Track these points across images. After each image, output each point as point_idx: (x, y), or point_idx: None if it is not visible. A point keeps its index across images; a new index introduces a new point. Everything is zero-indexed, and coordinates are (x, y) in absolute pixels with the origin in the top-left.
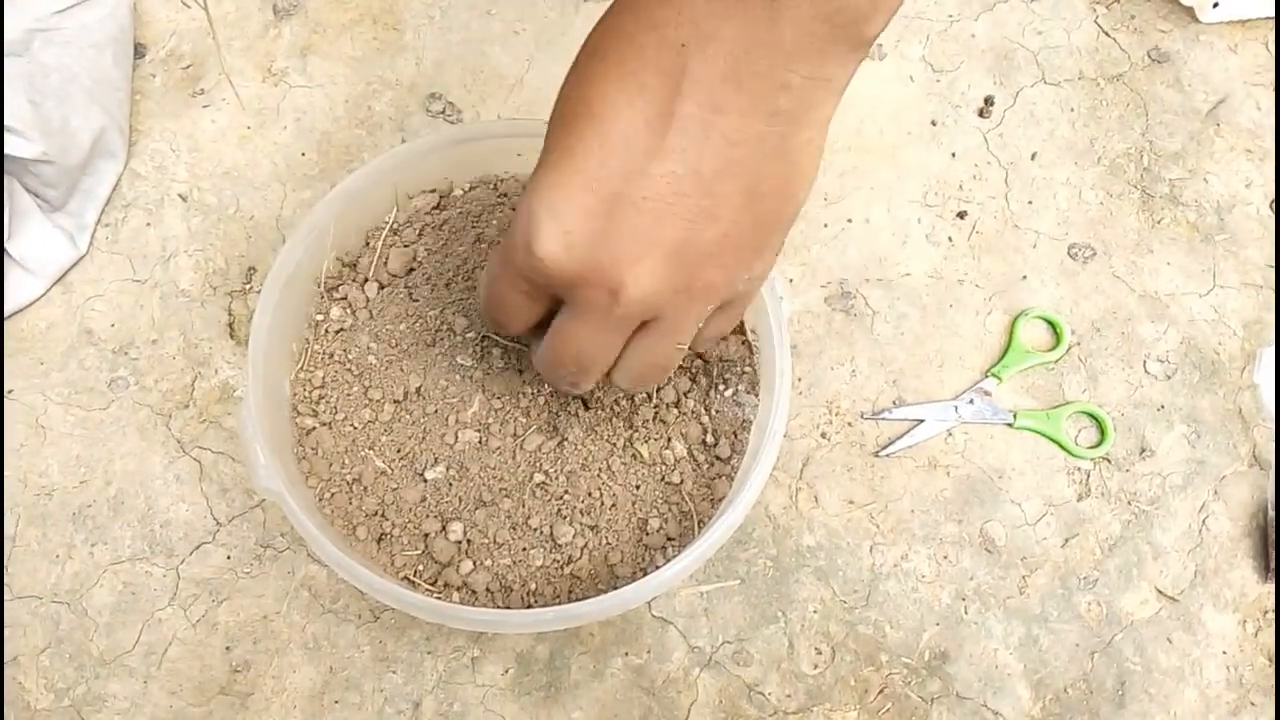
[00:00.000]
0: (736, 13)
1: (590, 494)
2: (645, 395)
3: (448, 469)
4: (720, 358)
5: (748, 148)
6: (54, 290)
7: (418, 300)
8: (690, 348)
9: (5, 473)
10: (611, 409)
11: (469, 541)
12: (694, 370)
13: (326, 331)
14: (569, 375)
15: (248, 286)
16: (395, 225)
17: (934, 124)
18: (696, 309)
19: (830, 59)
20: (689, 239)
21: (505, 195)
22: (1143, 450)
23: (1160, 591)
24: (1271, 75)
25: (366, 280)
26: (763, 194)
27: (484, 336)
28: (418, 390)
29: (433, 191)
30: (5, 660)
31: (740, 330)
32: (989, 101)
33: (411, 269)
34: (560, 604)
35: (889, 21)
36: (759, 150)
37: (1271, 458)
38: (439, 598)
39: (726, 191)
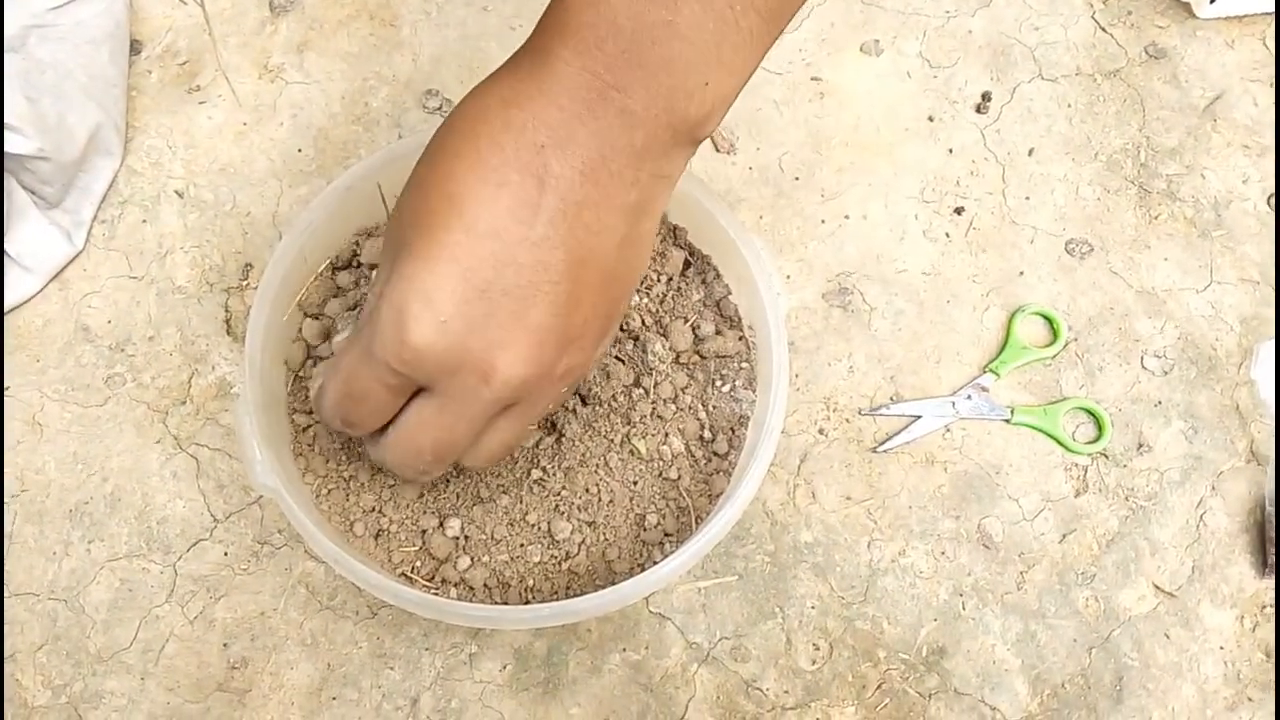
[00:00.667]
0: (591, 121)
1: (588, 490)
2: (643, 391)
3: None
4: (717, 354)
5: (605, 237)
6: (50, 287)
7: None
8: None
9: (3, 470)
10: (609, 405)
11: (466, 538)
12: (691, 366)
13: (324, 327)
14: (422, 464)
15: (245, 283)
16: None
17: (931, 120)
18: (556, 390)
19: (672, 158)
20: (557, 324)
21: None
22: (1140, 446)
23: (1158, 587)
24: (1269, 71)
25: (363, 277)
26: (614, 280)
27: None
28: None
29: None
30: (4, 657)
31: (737, 327)
32: (986, 97)
33: None
34: (558, 600)
35: (717, 126)
36: (613, 239)
37: (1269, 453)
38: (436, 594)
39: (587, 278)
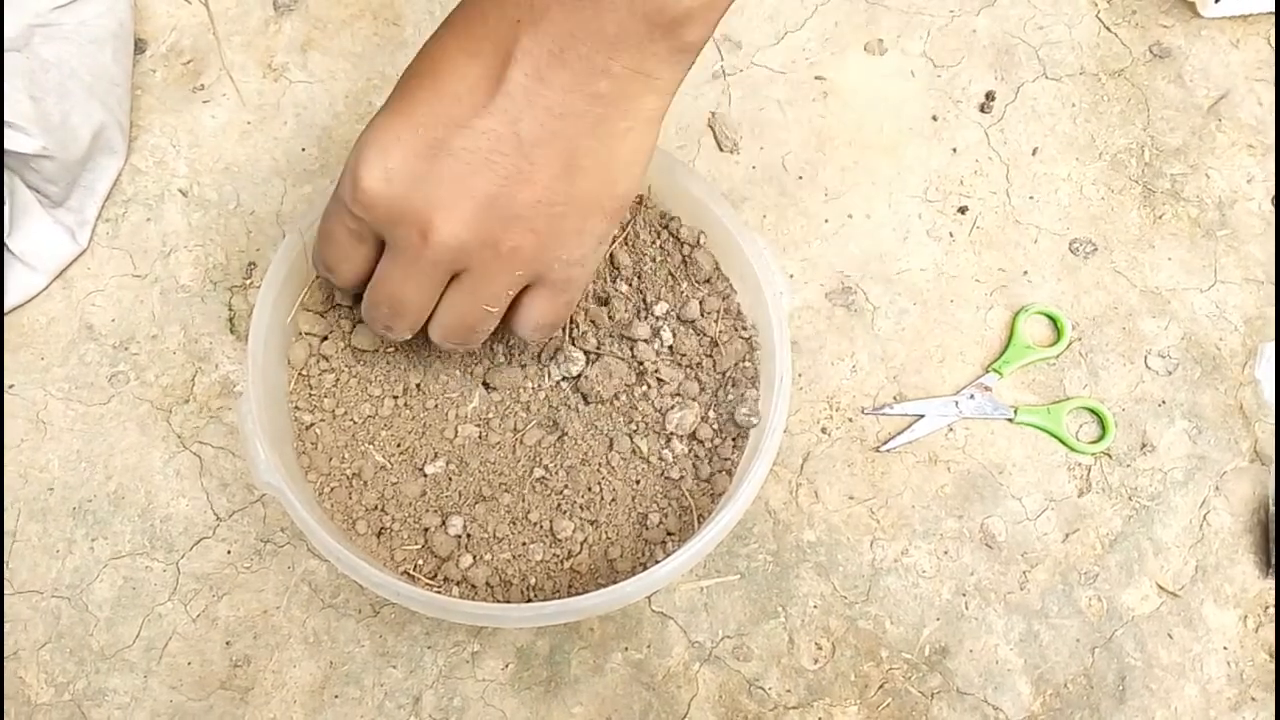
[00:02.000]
0: (566, 2)
1: (590, 489)
2: (645, 390)
3: (447, 464)
4: (720, 353)
5: (567, 122)
6: (54, 285)
7: None
8: (514, 329)
9: (8, 467)
10: (611, 404)
11: (469, 536)
12: (694, 366)
13: (326, 327)
14: (383, 317)
15: (248, 282)
16: None
17: (935, 119)
18: (503, 269)
19: (650, 56)
20: (501, 195)
21: None
22: (1144, 446)
23: (1161, 587)
24: (1273, 70)
25: None
26: (581, 169)
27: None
28: (417, 385)
29: None
30: (8, 655)
31: (740, 325)
32: (990, 97)
33: None
34: (560, 598)
35: (711, 31)
36: (578, 126)
37: (1273, 453)
38: (439, 592)
39: (543, 158)
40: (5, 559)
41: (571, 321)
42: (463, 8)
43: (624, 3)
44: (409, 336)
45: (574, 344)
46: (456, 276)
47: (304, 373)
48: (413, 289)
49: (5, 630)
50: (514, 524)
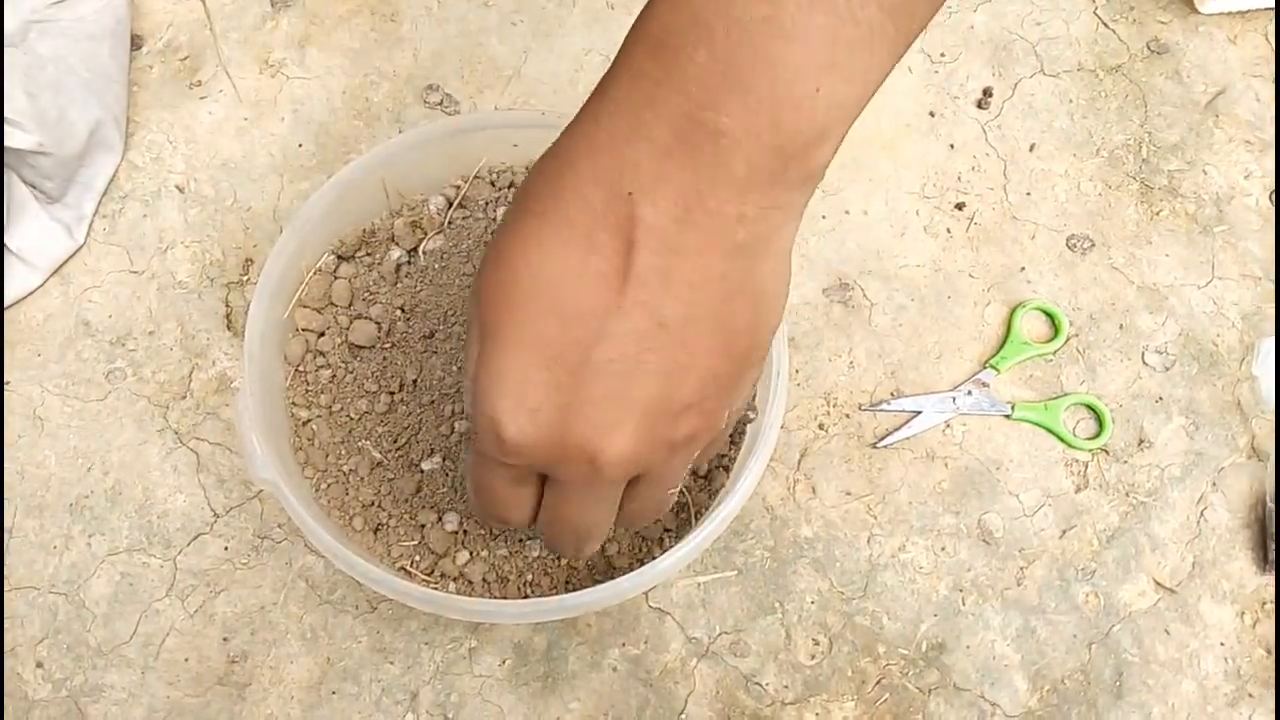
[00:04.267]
0: (681, 155)
1: None
2: None
3: (444, 459)
4: None
5: (711, 288)
6: (51, 282)
7: (413, 292)
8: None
9: (4, 464)
10: None
11: (465, 532)
12: None
13: (323, 323)
14: (572, 547)
15: (245, 278)
16: (391, 222)
17: (932, 115)
18: (682, 457)
19: (783, 187)
20: (665, 393)
21: (511, 186)
22: (1141, 442)
23: (1158, 583)
24: (1271, 67)
25: (359, 272)
26: (733, 334)
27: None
28: (414, 381)
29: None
30: (5, 651)
31: None
32: (987, 93)
33: (407, 262)
34: (557, 594)
35: (837, 149)
36: (723, 289)
37: (1270, 449)
38: (435, 588)
39: (696, 337)
40: (1, 556)
41: None
42: (549, 194)
43: (750, 135)
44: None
45: None
46: (634, 479)
47: (301, 369)
48: (594, 512)
49: (4, 626)
50: None
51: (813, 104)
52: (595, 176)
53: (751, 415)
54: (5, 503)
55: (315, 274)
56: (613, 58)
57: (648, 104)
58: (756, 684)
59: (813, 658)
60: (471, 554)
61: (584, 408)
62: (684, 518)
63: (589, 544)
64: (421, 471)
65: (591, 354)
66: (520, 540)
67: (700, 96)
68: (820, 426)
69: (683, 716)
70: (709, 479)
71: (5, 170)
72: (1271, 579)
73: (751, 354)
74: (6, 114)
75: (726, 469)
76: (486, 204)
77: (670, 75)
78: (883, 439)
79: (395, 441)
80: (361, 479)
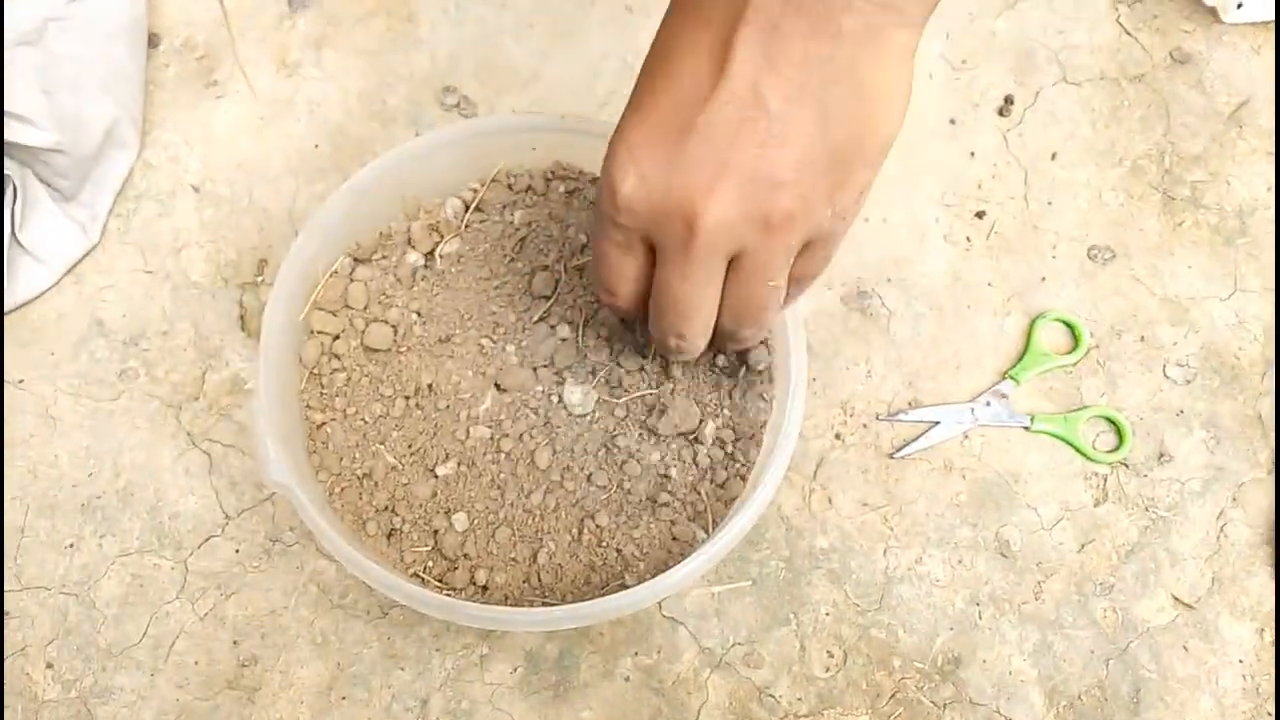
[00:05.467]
0: None
1: (603, 492)
2: (656, 396)
3: (459, 465)
4: (735, 357)
5: (814, 71)
6: (65, 280)
7: (429, 296)
8: (791, 294)
9: (17, 463)
10: (627, 408)
11: (479, 538)
12: (708, 369)
13: (338, 326)
14: (672, 326)
15: (259, 279)
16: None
17: (953, 122)
18: (779, 241)
19: None
20: (760, 165)
21: (529, 190)
22: (1161, 455)
23: (1177, 599)
24: None
25: (375, 276)
26: (836, 119)
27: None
28: (429, 386)
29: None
30: (15, 651)
31: None
32: (1009, 100)
33: (423, 265)
34: (570, 602)
35: None
36: (826, 73)
37: None
38: (448, 594)
39: (795, 116)
40: (12, 555)
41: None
42: None
43: None
44: (704, 346)
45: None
46: (734, 262)
47: (316, 371)
48: (692, 287)
49: (14, 626)
50: (525, 527)
51: None
52: None
53: (767, 395)
54: (17, 501)
55: (331, 277)
56: (630, 61)
57: None
58: (770, 696)
59: (827, 670)
60: (485, 561)
61: (684, 168)
62: (700, 526)
63: (689, 328)
64: (436, 477)
65: (695, 119)
66: (534, 547)
67: None
68: (837, 436)
69: None
70: (725, 488)
71: (20, 168)
72: None
73: (855, 151)
74: (22, 112)
75: (743, 477)
76: (503, 207)
77: None
78: (900, 449)
79: (410, 446)
80: (376, 483)
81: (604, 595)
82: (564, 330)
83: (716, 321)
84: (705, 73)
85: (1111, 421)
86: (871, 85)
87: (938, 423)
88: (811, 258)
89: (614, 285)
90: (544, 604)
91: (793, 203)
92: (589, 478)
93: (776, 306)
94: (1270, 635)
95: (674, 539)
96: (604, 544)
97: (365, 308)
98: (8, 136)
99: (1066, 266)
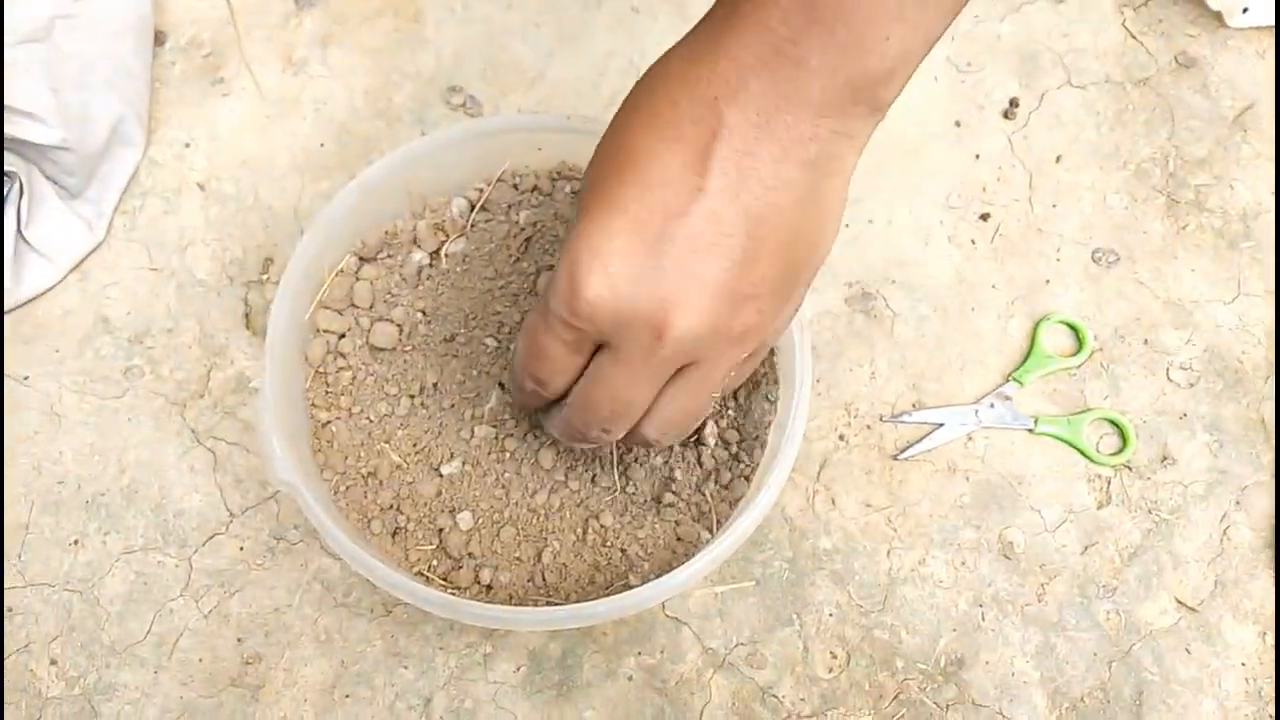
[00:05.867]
0: (765, 72)
1: (607, 491)
2: None
3: (463, 464)
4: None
5: (783, 193)
6: (70, 277)
7: (434, 295)
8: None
9: (21, 460)
10: None
11: (483, 537)
12: None
13: (344, 325)
14: (600, 423)
15: (265, 277)
16: (413, 224)
17: (958, 125)
18: (734, 353)
19: (852, 117)
20: (731, 279)
21: (535, 190)
22: (1164, 458)
23: (1180, 601)
24: None
25: (381, 274)
26: (796, 239)
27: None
28: (434, 385)
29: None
30: (19, 648)
31: None
32: (1014, 103)
33: (429, 265)
34: (574, 602)
35: (903, 88)
36: (793, 195)
37: None
38: (452, 593)
39: (765, 234)
40: (16, 552)
41: None
42: (644, 96)
43: (826, 69)
44: (620, 437)
45: None
46: (682, 370)
47: (321, 370)
48: (639, 390)
49: (18, 623)
50: (530, 526)
51: (883, 50)
52: (685, 83)
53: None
54: (21, 498)
55: (337, 275)
56: (636, 62)
57: (736, 35)
58: (773, 696)
59: (830, 671)
60: (489, 560)
61: (659, 276)
62: (704, 526)
63: (616, 425)
64: (441, 475)
65: (670, 228)
66: (538, 546)
67: (785, 33)
68: (841, 437)
69: None
70: (729, 488)
71: (27, 165)
72: None
73: (805, 268)
74: (29, 109)
75: (747, 478)
76: (509, 207)
77: (760, 14)
78: (904, 451)
79: (415, 445)
80: (380, 482)
81: (608, 595)
82: None
83: (641, 422)
84: (681, 183)
85: (1115, 424)
86: (824, 206)
87: (941, 424)
88: (745, 367)
89: (547, 380)
90: (548, 603)
91: (755, 317)
92: (593, 478)
93: (705, 416)
94: (1273, 638)
95: (678, 539)
96: (608, 544)
97: (370, 306)
98: (15, 133)
99: (1071, 269)
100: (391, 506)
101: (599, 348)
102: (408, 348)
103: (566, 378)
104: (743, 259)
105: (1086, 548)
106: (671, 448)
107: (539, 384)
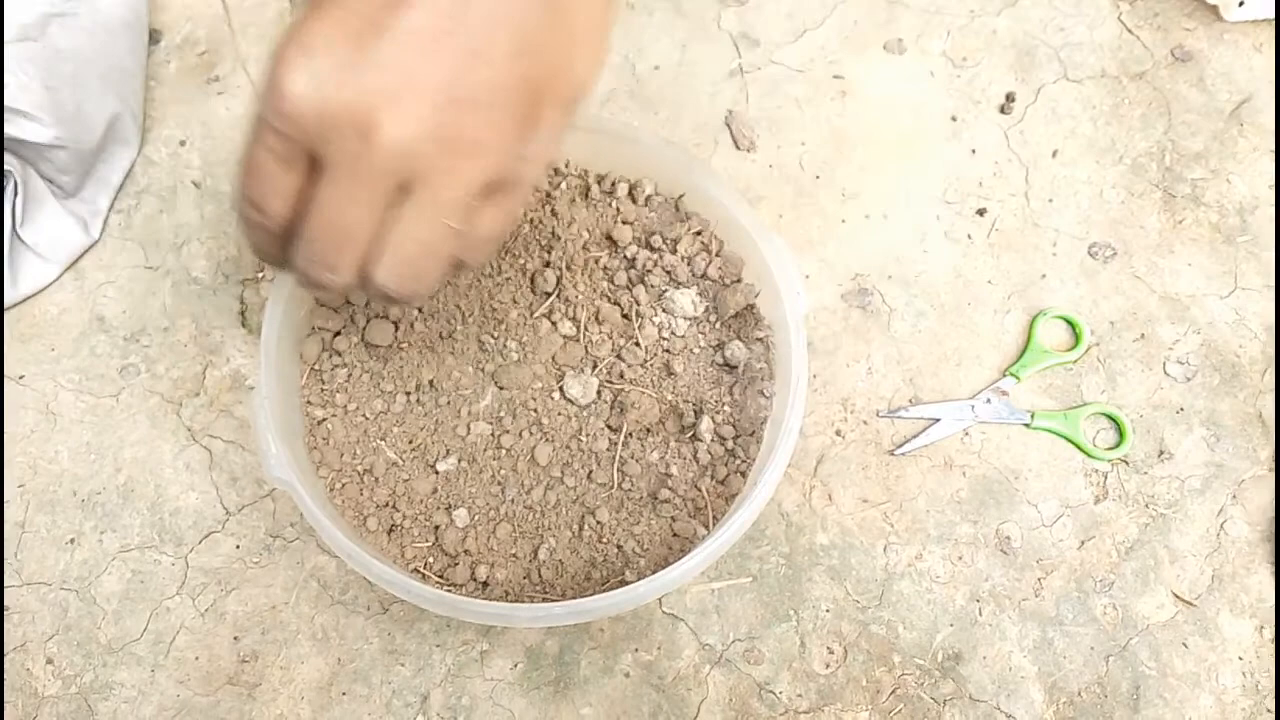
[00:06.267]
0: None
1: (604, 488)
2: (653, 385)
3: (459, 461)
4: (736, 354)
5: (512, 2)
6: (66, 276)
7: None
8: (465, 256)
9: (17, 458)
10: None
11: (479, 534)
12: (710, 366)
13: (340, 322)
14: (323, 254)
15: (260, 275)
16: None
17: (954, 120)
18: (464, 170)
19: None
20: (456, 81)
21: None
22: (1161, 453)
23: (1177, 596)
24: None
25: None
26: (534, 50)
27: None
28: (430, 382)
29: None
30: (15, 646)
31: (756, 325)
32: (1010, 98)
33: None
34: (571, 599)
35: None
36: (524, 5)
37: None
38: (449, 590)
39: (494, 37)
40: (13, 551)
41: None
42: None
43: None
44: (353, 279)
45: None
46: (408, 192)
47: (316, 367)
48: (355, 210)
49: (15, 621)
50: (526, 523)
51: None
52: None
53: (768, 392)
54: (17, 497)
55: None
56: (632, 59)
57: None
58: (770, 692)
59: (827, 666)
60: (486, 556)
61: (368, 71)
62: (700, 522)
63: (341, 256)
64: (437, 473)
65: (389, 18)
66: (534, 544)
67: None
68: (837, 433)
69: None
70: (726, 484)
71: (22, 164)
72: None
73: (549, 88)
74: (24, 107)
75: (744, 474)
76: None
77: None
78: (900, 446)
79: (411, 442)
80: (376, 479)
81: (604, 591)
82: (566, 327)
83: (371, 266)
84: None
85: (1112, 419)
86: (571, 22)
87: (938, 419)
88: (495, 207)
89: (263, 201)
90: (544, 600)
91: (485, 129)
92: (589, 474)
93: (445, 261)
94: (1270, 632)
95: (674, 535)
96: (604, 540)
97: (366, 304)
98: (10, 132)
99: (1067, 264)
100: (387, 504)
101: (315, 171)
102: (403, 345)
103: (283, 200)
104: (469, 60)
105: (1083, 542)
106: (667, 443)
107: (257, 208)
